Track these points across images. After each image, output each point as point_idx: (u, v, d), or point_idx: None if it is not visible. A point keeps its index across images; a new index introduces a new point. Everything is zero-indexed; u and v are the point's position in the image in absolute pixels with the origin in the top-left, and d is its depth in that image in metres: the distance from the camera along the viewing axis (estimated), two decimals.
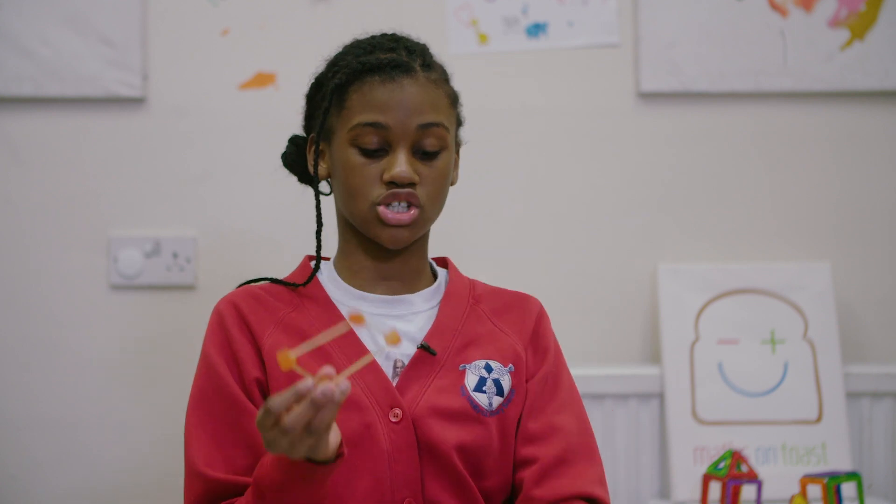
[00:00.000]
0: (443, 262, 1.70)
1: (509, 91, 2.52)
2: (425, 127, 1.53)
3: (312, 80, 1.64)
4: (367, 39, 1.60)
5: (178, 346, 2.47)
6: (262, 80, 2.49)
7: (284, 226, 2.48)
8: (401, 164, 1.52)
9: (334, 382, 1.24)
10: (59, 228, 2.47)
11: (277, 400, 1.25)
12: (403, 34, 1.62)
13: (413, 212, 1.53)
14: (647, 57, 2.51)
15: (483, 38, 2.50)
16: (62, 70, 2.45)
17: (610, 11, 2.51)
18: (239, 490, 1.46)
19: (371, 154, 1.53)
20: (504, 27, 2.51)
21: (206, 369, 1.56)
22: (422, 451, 1.49)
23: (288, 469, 1.33)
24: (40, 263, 2.47)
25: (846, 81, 2.52)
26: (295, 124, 2.59)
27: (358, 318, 1.38)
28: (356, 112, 1.54)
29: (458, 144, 1.65)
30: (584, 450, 1.55)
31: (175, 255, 2.46)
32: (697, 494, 2.34)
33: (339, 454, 1.35)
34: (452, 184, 1.63)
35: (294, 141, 1.70)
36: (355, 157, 1.54)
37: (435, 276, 1.66)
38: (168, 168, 2.49)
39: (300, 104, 2.65)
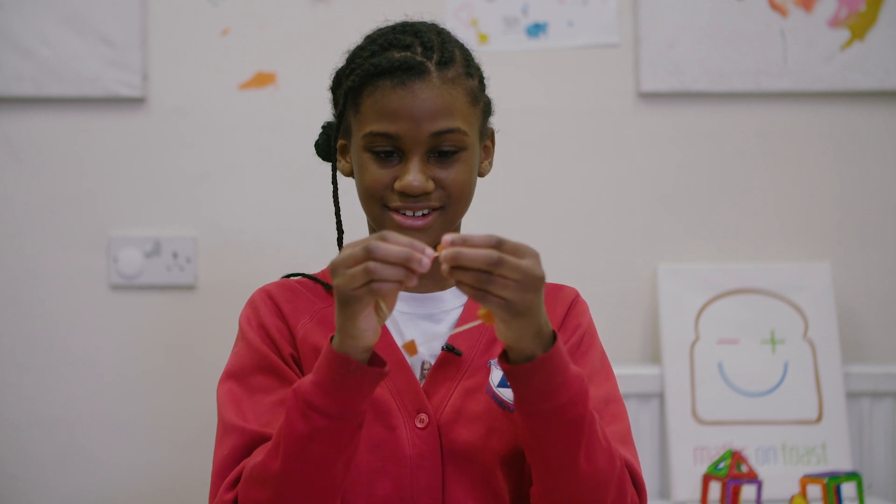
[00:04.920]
0: None
1: (509, 91, 2.50)
2: (439, 135, 1.48)
3: (333, 74, 1.59)
4: (385, 33, 1.54)
5: (178, 346, 2.47)
6: (262, 80, 2.49)
7: (284, 225, 2.48)
8: (412, 173, 1.47)
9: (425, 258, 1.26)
10: (59, 228, 2.47)
11: (396, 234, 1.27)
12: (423, 23, 1.55)
13: (429, 217, 1.50)
14: (647, 57, 2.51)
15: (483, 38, 2.50)
16: (62, 70, 2.45)
17: (610, 11, 2.51)
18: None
19: (384, 160, 1.49)
20: (504, 27, 2.51)
21: (244, 347, 1.53)
22: (445, 458, 1.47)
23: (327, 363, 1.32)
24: (40, 263, 2.47)
25: (846, 81, 2.52)
26: (295, 124, 2.59)
27: (410, 347, 1.33)
28: (368, 120, 1.49)
29: (488, 134, 1.60)
30: (606, 415, 1.49)
31: (175, 255, 2.46)
32: (697, 494, 2.34)
33: (376, 363, 1.33)
34: (482, 174, 1.59)
35: (326, 129, 1.65)
36: (369, 163, 1.50)
37: None
38: (168, 168, 2.49)
39: (300, 104, 2.65)
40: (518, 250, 1.28)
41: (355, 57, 1.55)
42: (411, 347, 1.31)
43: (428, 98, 1.48)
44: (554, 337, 1.34)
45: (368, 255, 1.26)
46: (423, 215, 1.50)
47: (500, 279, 1.26)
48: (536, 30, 2.51)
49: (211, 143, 2.49)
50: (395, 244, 1.26)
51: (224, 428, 1.47)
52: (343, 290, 1.28)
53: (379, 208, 1.51)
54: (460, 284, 1.28)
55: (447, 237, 1.27)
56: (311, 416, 1.33)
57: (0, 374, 2.46)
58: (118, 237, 2.47)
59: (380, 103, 1.48)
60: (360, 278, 1.26)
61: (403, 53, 1.50)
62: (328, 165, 1.65)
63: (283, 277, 1.62)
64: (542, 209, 2.53)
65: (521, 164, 2.51)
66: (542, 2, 2.50)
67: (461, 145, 1.50)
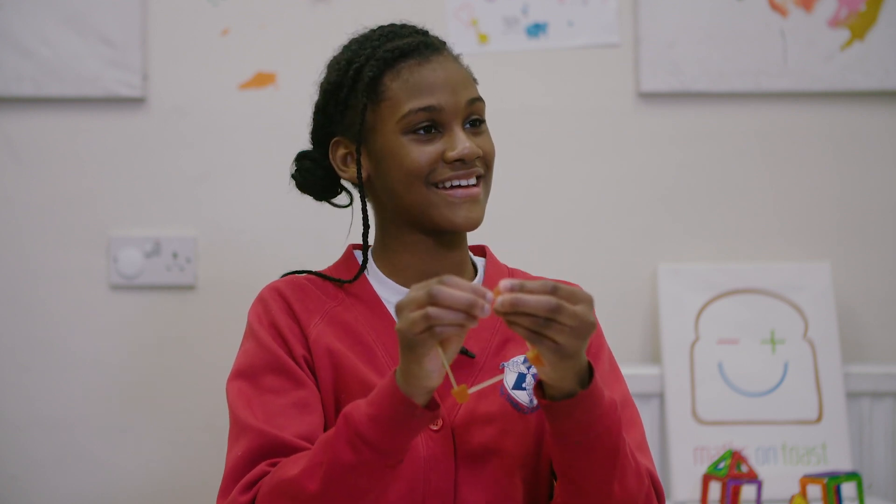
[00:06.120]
0: (481, 251, 1.65)
1: (509, 91, 2.51)
2: (472, 102, 1.52)
3: (324, 87, 1.58)
4: (376, 31, 1.57)
5: (178, 346, 2.47)
6: (262, 80, 2.49)
7: (284, 225, 2.48)
8: (464, 142, 1.49)
9: (486, 306, 1.25)
10: (59, 228, 2.47)
11: (457, 279, 1.26)
12: (401, 21, 1.59)
13: (479, 185, 1.51)
14: (647, 57, 2.51)
15: (483, 38, 2.50)
16: (62, 70, 2.45)
17: (610, 11, 2.51)
18: (293, 449, 1.41)
19: (425, 138, 1.50)
20: (504, 27, 2.51)
21: (255, 345, 1.51)
22: (459, 460, 1.47)
23: (389, 401, 1.31)
24: (40, 263, 2.47)
25: (846, 81, 2.52)
26: (295, 124, 2.59)
27: (462, 394, 1.31)
28: (403, 99, 1.50)
29: None
30: (623, 420, 1.47)
31: (175, 255, 2.46)
32: (697, 494, 2.34)
33: (432, 407, 1.32)
34: None
35: (307, 156, 1.64)
36: (411, 144, 1.49)
37: (475, 268, 1.61)
38: (168, 168, 2.49)
39: (300, 104, 2.64)
40: (573, 296, 1.27)
41: (354, 58, 1.54)
42: (462, 394, 1.29)
43: (453, 69, 1.53)
44: (591, 371, 1.34)
45: (431, 299, 1.25)
46: (474, 184, 1.51)
47: (556, 325, 1.26)
48: (536, 30, 2.51)
49: (211, 143, 2.49)
50: (458, 289, 1.25)
51: (238, 427, 1.46)
52: (405, 334, 1.27)
53: (425, 189, 1.49)
54: (514, 326, 1.27)
55: (505, 283, 1.26)
56: (361, 448, 1.32)
57: (0, 374, 2.46)
58: (118, 237, 2.47)
59: (411, 81, 1.50)
60: (421, 324, 1.25)
61: (412, 38, 1.53)
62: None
63: (287, 274, 1.60)
64: (542, 209, 2.53)
65: (521, 164, 2.51)
66: (542, 2, 2.50)
67: (484, 115, 1.54)
